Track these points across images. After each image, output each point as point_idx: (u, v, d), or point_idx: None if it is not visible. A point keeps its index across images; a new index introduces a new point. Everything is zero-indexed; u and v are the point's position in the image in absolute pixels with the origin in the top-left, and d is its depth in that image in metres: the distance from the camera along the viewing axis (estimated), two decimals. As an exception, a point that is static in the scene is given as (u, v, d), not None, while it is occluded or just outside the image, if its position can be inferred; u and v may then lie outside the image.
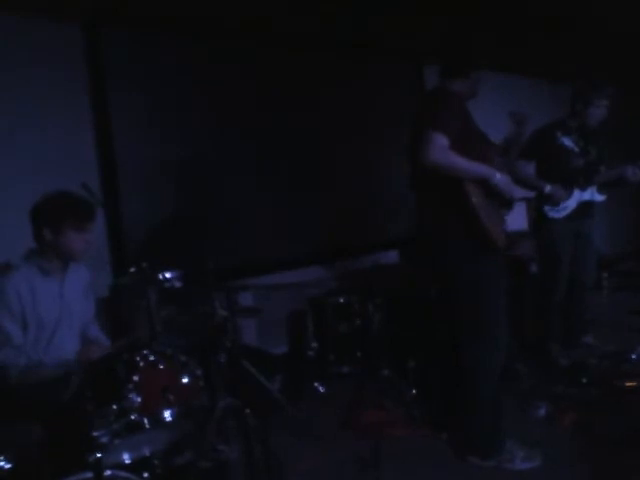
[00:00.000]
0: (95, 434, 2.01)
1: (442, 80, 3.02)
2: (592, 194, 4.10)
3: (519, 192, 3.63)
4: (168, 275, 2.74)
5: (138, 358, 2.26)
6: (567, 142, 4.04)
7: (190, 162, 4.20)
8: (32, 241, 2.62)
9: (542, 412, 3.36)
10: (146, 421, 2.15)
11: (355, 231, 5.10)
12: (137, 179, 3.94)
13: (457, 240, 2.88)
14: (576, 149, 4.05)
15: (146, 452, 2.27)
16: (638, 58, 5.63)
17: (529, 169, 4.11)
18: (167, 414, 2.22)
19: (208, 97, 4.29)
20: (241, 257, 4.39)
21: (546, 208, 4.04)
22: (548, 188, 3.94)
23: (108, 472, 2.02)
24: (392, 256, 5.34)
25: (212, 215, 4.31)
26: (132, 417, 2.13)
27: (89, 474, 1.97)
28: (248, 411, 2.56)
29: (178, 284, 2.81)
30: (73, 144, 3.68)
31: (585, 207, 4.10)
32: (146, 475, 2.23)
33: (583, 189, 4.06)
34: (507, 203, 2.97)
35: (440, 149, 2.64)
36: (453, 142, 2.68)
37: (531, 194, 4.22)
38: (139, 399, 2.17)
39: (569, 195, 4.01)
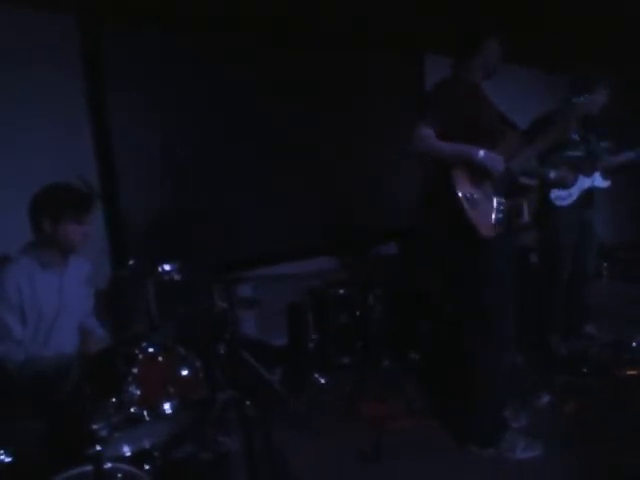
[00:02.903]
0: (95, 427, 2.01)
1: (452, 68, 2.99)
2: (593, 180, 4.10)
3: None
4: (167, 267, 2.75)
5: (137, 351, 2.25)
6: None
7: (189, 156, 4.19)
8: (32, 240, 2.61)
9: (543, 402, 3.37)
10: (146, 414, 2.16)
11: (355, 223, 5.09)
12: (136, 173, 3.92)
13: (448, 238, 2.92)
14: (576, 137, 4.04)
15: (146, 445, 2.27)
16: (637, 49, 5.59)
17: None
18: (167, 406, 2.21)
19: (208, 95, 4.29)
20: (241, 249, 4.39)
21: (552, 196, 4.03)
22: (552, 174, 3.92)
23: (108, 465, 2.01)
24: (392, 248, 5.33)
25: (211, 208, 4.30)
26: (132, 410, 2.13)
27: (89, 467, 1.96)
28: (248, 403, 2.56)
29: (177, 276, 2.82)
30: (72, 142, 3.67)
31: (587, 196, 4.10)
32: (147, 467, 2.23)
33: (587, 176, 4.06)
34: (519, 191, 2.93)
35: (420, 138, 2.75)
36: (446, 129, 2.74)
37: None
38: (138, 392, 2.16)
39: (575, 180, 4.01)
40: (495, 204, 2.85)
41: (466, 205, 2.72)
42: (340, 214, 5.01)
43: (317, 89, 4.92)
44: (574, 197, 4.04)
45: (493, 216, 2.82)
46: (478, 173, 2.77)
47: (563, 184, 3.98)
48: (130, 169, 3.89)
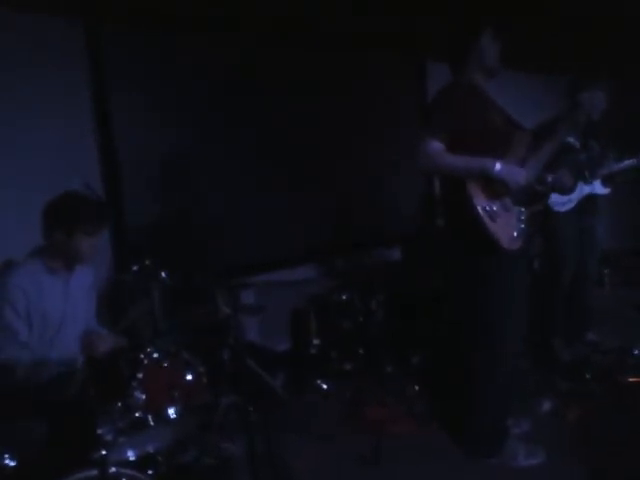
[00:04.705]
0: (100, 432, 2.01)
1: (451, 73, 2.91)
2: (593, 188, 4.09)
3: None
4: (171, 273, 2.75)
5: (142, 356, 2.26)
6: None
7: (192, 161, 4.18)
8: (32, 240, 2.59)
9: (546, 408, 3.36)
10: (150, 418, 2.16)
11: (357, 228, 5.09)
12: (139, 177, 3.90)
13: (459, 242, 2.85)
14: (577, 144, 4.03)
15: (150, 449, 2.26)
16: (636, 51, 5.60)
17: None
18: (171, 411, 2.22)
19: (209, 96, 4.28)
20: (244, 255, 4.37)
21: (551, 202, 4.02)
22: (550, 178, 3.90)
23: (113, 469, 2.00)
24: (394, 253, 5.33)
25: (214, 213, 4.29)
26: (136, 414, 2.14)
27: (94, 471, 1.96)
28: (251, 408, 2.56)
29: (181, 282, 2.82)
30: (75, 143, 3.65)
31: (589, 202, 4.08)
32: (151, 472, 2.22)
33: (588, 183, 4.06)
34: (536, 198, 2.84)
35: (427, 156, 2.63)
36: (455, 135, 2.63)
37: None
38: (143, 397, 2.18)
39: (574, 187, 4.01)
40: (516, 215, 2.77)
41: (486, 218, 2.61)
42: (340, 215, 5.00)
43: (317, 89, 4.92)
44: (573, 203, 4.03)
45: (515, 227, 2.74)
46: (494, 184, 2.66)
47: (561, 189, 3.96)
48: (133, 171, 3.87)
